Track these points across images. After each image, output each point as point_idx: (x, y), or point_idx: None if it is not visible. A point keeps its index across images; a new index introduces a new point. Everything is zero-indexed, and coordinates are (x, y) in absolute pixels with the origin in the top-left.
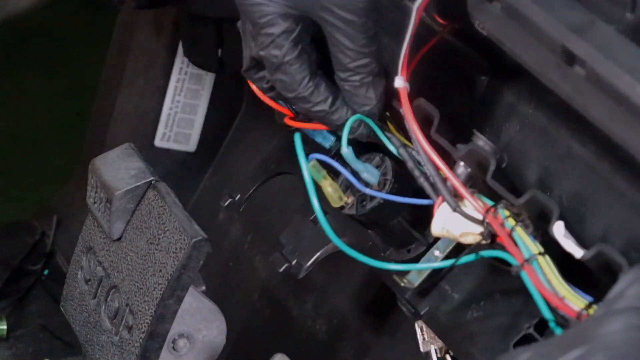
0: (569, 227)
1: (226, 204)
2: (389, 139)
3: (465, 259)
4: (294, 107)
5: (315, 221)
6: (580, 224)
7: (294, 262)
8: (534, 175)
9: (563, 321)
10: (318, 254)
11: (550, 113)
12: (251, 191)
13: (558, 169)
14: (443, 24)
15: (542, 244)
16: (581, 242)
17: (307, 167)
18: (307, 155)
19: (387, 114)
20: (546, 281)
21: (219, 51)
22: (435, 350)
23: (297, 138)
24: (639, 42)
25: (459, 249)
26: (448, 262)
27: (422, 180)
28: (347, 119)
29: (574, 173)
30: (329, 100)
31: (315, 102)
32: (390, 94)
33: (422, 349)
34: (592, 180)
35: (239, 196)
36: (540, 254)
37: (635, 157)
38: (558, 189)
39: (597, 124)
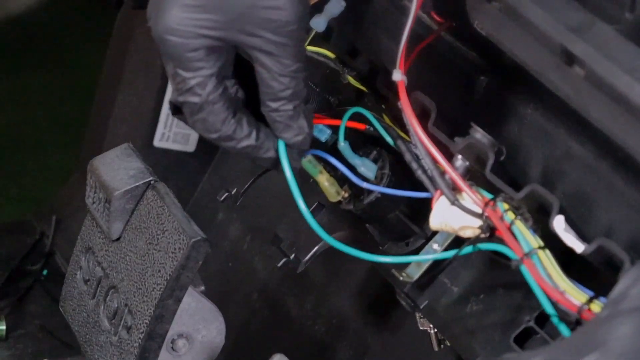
0: (571, 223)
1: (222, 198)
2: (386, 130)
3: (467, 249)
4: None
5: (314, 214)
6: (581, 220)
7: (292, 257)
8: (533, 174)
9: (565, 315)
10: (316, 248)
11: (550, 113)
12: (248, 185)
13: (558, 168)
14: (440, 22)
15: (543, 238)
16: (582, 237)
17: (291, 172)
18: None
19: (383, 106)
20: (546, 275)
21: None
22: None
23: (281, 145)
24: (639, 42)
25: (458, 242)
26: (450, 253)
27: (420, 173)
28: (275, 152)
29: (573, 172)
30: (254, 135)
31: (240, 139)
32: (387, 88)
33: (420, 327)
34: (593, 179)
35: (235, 190)
36: (540, 247)
37: (634, 157)
38: (558, 187)
39: (597, 124)
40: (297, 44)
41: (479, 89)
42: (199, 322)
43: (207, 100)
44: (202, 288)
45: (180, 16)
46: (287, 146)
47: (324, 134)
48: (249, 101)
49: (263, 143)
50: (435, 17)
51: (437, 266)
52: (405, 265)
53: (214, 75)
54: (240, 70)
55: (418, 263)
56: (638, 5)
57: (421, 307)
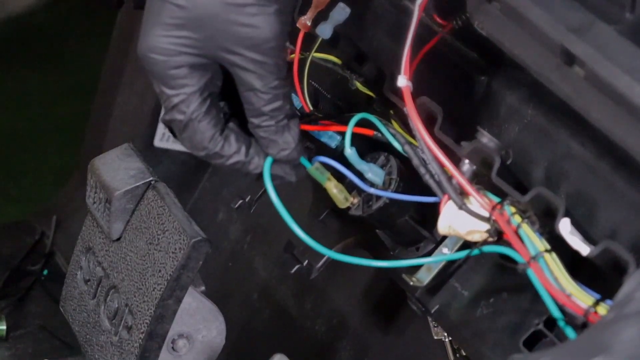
0: (576, 225)
1: (237, 205)
2: (393, 136)
3: (477, 251)
4: None
5: (325, 221)
6: (586, 222)
7: (305, 263)
8: (537, 176)
9: (572, 319)
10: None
11: (550, 113)
12: (261, 192)
13: (560, 169)
14: (442, 24)
15: (549, 241)
16: (588, 240)
17: (275, 193)
18: (310, 158)
19: (391, 112)
20: (553, 278)
21: None
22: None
23: (266, 164)
24: (639, 42)
25: (468, 246)
26: (463, 253)
27: (427, 178)
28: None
29: (576, 173)
30: (243, 150)
31: (229, 156)
32: (393, 93)
33: (435, 336)
34: (595, 180)
35: (249, 197)
36: (546, 251)
37: (634, 157)
38: (562, 189)
39: (597, 125)
40: (275, 61)
41: (479, 89)
42: (199, 322)
43: (191, 118)
44: (203, 288)
45: (162, 34)
46: (277, 161)
47: (334, 141)
48: (243, 117)
49: (253, 159)
50: (438, 19)
51: (447, 271)
52: (416, 270)
53: (198, 92)
54: (233, 86)
55: (428, 268)
56: (638, 5)
57: (432, 311)
